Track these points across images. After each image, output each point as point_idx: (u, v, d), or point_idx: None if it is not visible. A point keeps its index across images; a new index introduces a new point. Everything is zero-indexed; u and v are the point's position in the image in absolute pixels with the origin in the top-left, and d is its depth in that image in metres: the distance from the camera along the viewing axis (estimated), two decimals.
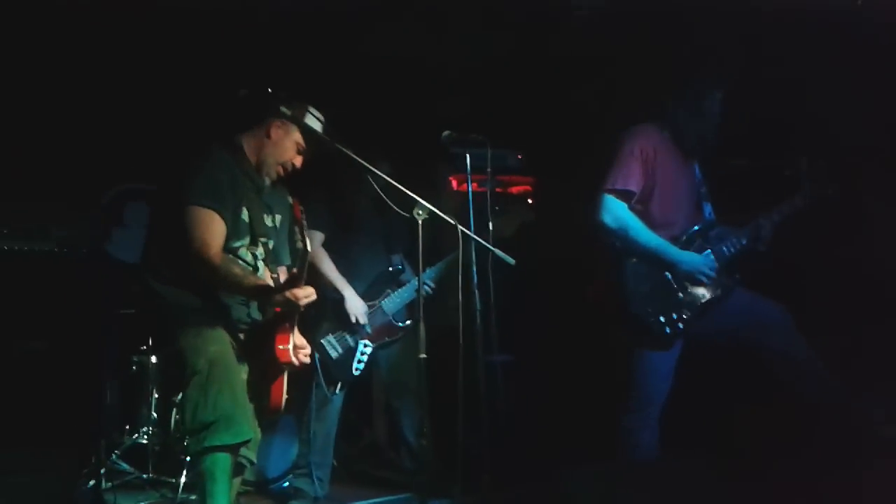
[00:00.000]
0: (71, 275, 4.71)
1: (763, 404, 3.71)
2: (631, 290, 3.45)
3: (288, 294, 2.99)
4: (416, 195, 3.21)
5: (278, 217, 3.39)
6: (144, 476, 4.33)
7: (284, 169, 3.32)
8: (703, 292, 3.48)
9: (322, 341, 4.12)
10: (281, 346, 3.10)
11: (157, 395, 4.53)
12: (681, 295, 3.47)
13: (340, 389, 4.19)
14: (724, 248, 3.53)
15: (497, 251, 3.27)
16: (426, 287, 4.23)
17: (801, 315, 3.52)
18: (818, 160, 3.58)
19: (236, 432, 2.98)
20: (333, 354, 4.13)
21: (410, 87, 5.41)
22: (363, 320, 4.16)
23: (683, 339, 3.51)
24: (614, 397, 3.56)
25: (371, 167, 3.44)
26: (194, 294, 3.10)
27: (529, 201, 5.06)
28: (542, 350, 4.92)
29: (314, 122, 3.27)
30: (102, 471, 4.22)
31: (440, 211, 3.25)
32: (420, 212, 3.16)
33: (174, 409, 4.44)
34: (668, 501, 2.89)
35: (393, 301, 4.26)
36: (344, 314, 4.15)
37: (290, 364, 3.13)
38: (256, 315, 3.24)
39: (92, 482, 4.18)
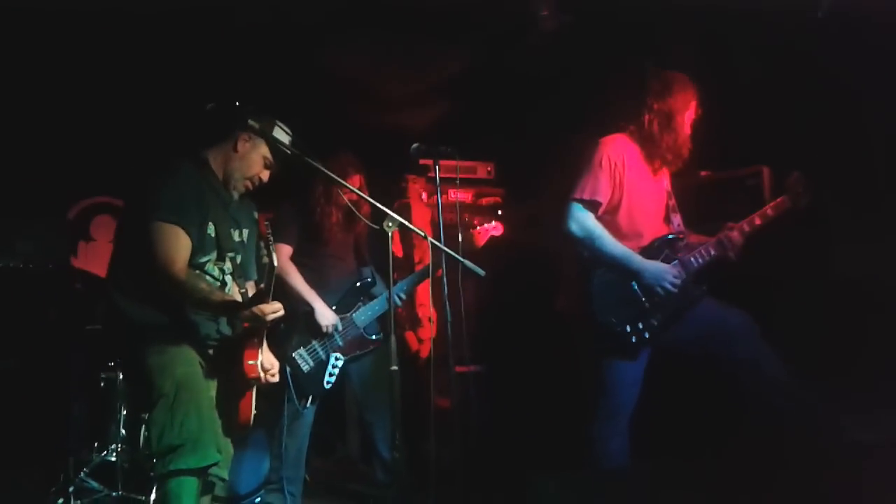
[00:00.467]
0: (37, 290, 4.66)
1: (731, 412, 3.74)
2: (598, 299, 3.47)
3: (255, 309, 2.97)
4: (386, 207, 3.21)
5: (245, 231, 3.37)
6: (114, 494, 4.29)
7: (252, 183, 3.31)
8: (668, 302, 3.50)
9: (293, 355, 4.10)
10: (249, 362, 3.09)
11: (125, 412, 4.49)
12: (647, 304, 3.50)
13: (312, 403, 4.17)
14: (693, 259, 3.55)
15: (467, 263, 3.28)
16: (396, 299, 4.24)
17: (767, 323, 3.56)
18: (794, 172, 3.61)
19: (203, 456, 2.96)
20: (305, 368, 4.11)
21: (379, 100, 5.43)
22: (332, 330, 4.14)
23: (651, 347, 3.53)
24: (585, 406, 3.58)
25: (340, 180, 3.45)
26: (161, 311, 3.08)
27: (500, 212, 5.08)
28: (513, 360, 4.93)
29: (282, 135, 3.26)
30: (71, 489, 4.19)
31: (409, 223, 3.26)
32: (390, 224, 3.16)
33: (143, 426, 4.40)
34: None
35: (364, 314, 4.25)
36: (314, 326, 4.13)
37: (258, 379, 3.12)
38: (226, 330, 3.22)
39: (61, 500, 4.14)
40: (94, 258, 5.59)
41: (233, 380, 3.12)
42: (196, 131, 3.18)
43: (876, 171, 3.98)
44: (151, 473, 4.18)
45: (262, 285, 3.03)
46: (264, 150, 3.28)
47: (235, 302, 3.11)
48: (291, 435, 4.13)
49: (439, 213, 3.64)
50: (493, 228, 4.44)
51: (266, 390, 3.26)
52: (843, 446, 3.29)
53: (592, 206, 3.52)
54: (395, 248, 4.88)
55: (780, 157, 3.87)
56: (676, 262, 3.55)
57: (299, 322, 4.10)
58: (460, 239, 4.01)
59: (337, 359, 4.19)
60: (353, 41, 4.88)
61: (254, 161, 3.28)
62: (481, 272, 3.24)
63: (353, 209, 3.95)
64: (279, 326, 3.07)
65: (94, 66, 4.85)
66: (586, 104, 4.60)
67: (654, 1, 4.18)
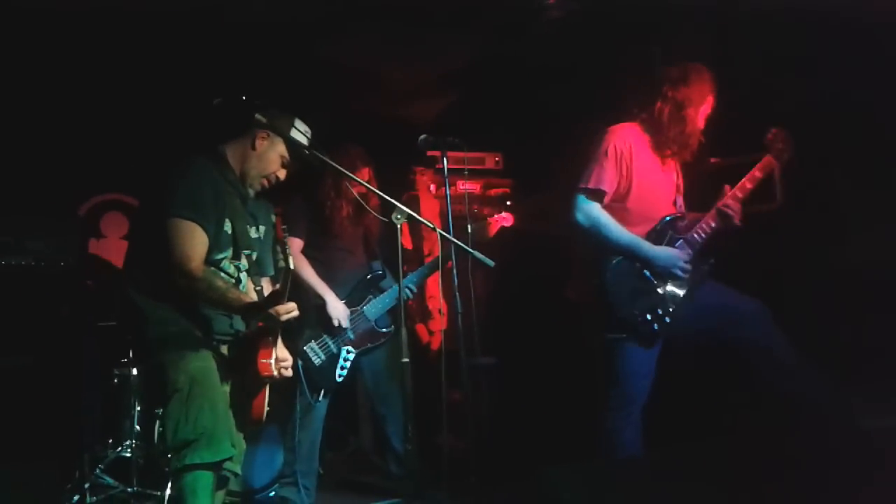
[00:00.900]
0: (49, 288, 4.67)
1: (744, 399, 3.73)
2: (614, 290, 3.45)
3: (270, 310, 2.98)
4: (395, 199, 3.21)
5: (262, 228, 3.37)
6: (129, 490, 4.30)
7: (269, 181, 3.30)
8: (681, 284, 3.49)
9: (305, 348, 4.11)
10: (263, 360, 3.10)
11: (139, 408, 4.50)
12: (661, 290, 3.49)
13: (324, 396, 4.18)
14: (696, 235, 3.54)
15: (477, 254, 3.27)
16: (407, 292, 4.24)
17: (779, 309, 3.54)
18: (776, 129, 3.59)
19: (217, 450, 2.97)
20: (317, 361, 4.12)
21: (387, 92, 5.42)
22: (346, 324, 4.15)
23: (663, 337, 3.52)
24: (597, 397, 3.57)
25: (349, 173, 3.45)
26: (176, 307, 3.08)
27: (508, 203, 5.07)
28: (525, 351, 4.93)
29: (299, 135, 3.25)
30: (87, 485, 4.19)
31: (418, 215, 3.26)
32: (398, 216, 3.16)
33: (157, 422, 4.41)
34: (651, 498, 2.90)
35: (375, 306, 4.26)
36: (326, 320, 4.14)
37: (272, 377, 3.12)
38: (240, 326, 3.22)
39: (76, 497, 4.16)
40: (105, 255, 5.60)
41: (247, 378, 3.13)
42: (210, 127, 3.17)
43: (887, 158, 3.95)
44: (166, 469, 4.19)
45: (278, 286, 3.04)
46: (282, 148, 3.26)
47: (250, 303, 3.11)
48: (304, 429, 4.14)
49: (448, 204, 3.64)
50: (505, 219, 4.44)
51: (278, 385, 3.27)
52: (856, 432, 3.27)
53: (598, 195, 3.50)
54: (405, 240, 4.87)
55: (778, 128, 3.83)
56: (681, 241, 3.54)
57: (310, 316, 4.10)
58: (469, 230, 4.01)
59: (348, 352, 4.20)
60: (361, 33, 4.87)
61: (271, 160, 3.27)
62: (491, 263, 3.24)
63: (362, 202, 3.94)
64: (291, 320, 3.07)
65: (105, 62, 4.85)
66: (594, 93, 4.58)
67: None
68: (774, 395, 3.49)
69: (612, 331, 3.49)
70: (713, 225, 3.54)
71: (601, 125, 3.64)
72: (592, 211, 3.49)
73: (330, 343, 4.16)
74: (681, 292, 3.50)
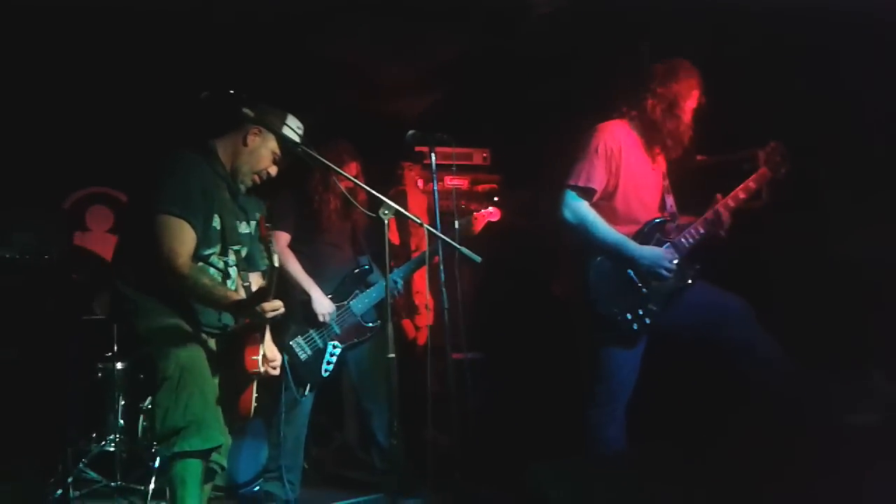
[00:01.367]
0: (34, 281, 4.65)
1: (728, 397, 3.74)
2: (596, 288, 3.46)
3: (255, 308, 2.98)
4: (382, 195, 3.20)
5: (253, 223, 3.36)
6: (112, 484, 4.28)
7: (260, 177, 3.29)
8: (665, 285, 3.50)
9: (291, 343, 4.10)
10: (252, 357, 3.10)
11: (123, 402, 4.48)
12: (644, 290, 3.49)
13: (310, 391, 4.18)
14: (683, 240, 3.55)
15: (463, 249, 3.27)
16: (394, 287, 4.24)
17: (763, 307, 3.55)
18: (772, 142, 3.61)
19: (207, 437, 2.97)
20: (303, 356, 4.12)
21: (374, 87, 5.41)
22: (328, 319, 4.15)
23: (649, 333, 3.53)
24: (582, 393, 3.58)
25: (336, 168, 3.44)
26: (164, 300, 3.08)
27: (496, 199, 5.07)
28: (510, 347, 4.93)
29: (291, 132, 3.24)
30: (70, 479, 4.18)
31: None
32: (386, 211, 3.16)
33: (141, 416, 4.41)
34: (636, 493, 2.91)
35: (361, 301, 4.25)
36: (312, 315, 4.13)
37: (259, 373, 3.13)
38: (228, 321, 3.21)
39: (59, 491, 4.14)
40: (90, 248, 5.58)
41: (234, 374, 3.13)
42: (199, 121, 3.15)
43: (874, 154, 3.97)
44: (150, 463, 4.20)
45: (264, 283, 3.03)
46: (273, 144, 3.25)
47: (237, 300, 3.09)
48: (289, 423, 4.13)
49: (435, 200, 3.63)
50: (491, 214, 4.44)
51: (265, 380, 3.26)
52: (842, 428, 3.29)
53: (587, 193, 3.50)
54: (392, 235, 4.86)
55: (776, 140, 3.85)
56: (668, 244, 3.54)
57: (297, 311, 4.10)
58: (457, 225, 4.01)
59: (335, 347, 4.20)
60: (348, 27, 4.86)
61: (263, 156, 3.26)
62: (477, 259, 3.23)
63: (349, 197, 3.94)
64: (277, 315, 3.07)
65: (92, 56, 4.82)
66: (582, 89, 4.58)
67: None
68: (757, 391, 3.50)
69: (594, 328, 3.50)
70: (702, 231, 3.55)
71: (589, 122, 3.64)
72: (580, 208, 3.49)
73: (316, 338, 4.16)
74: (663, 293, 3.50)
